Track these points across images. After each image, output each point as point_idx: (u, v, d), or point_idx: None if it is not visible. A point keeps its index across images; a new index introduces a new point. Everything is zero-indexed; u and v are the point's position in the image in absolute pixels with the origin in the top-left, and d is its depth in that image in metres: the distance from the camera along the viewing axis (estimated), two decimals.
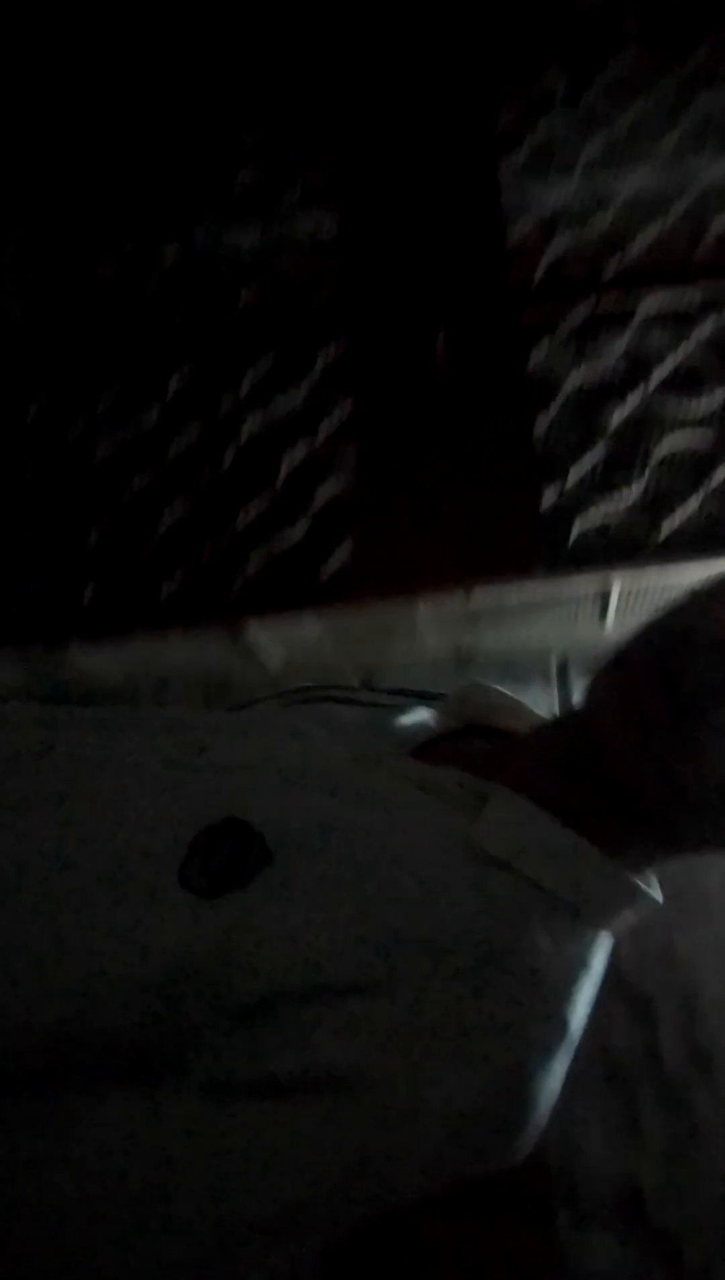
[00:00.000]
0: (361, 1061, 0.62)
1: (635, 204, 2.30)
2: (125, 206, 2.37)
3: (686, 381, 2.20)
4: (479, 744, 0.82)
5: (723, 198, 2.28)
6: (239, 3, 2.33)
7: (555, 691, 2.44)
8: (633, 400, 2.20)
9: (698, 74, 2.34)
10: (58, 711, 0.83)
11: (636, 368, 2.21)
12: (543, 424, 2.21)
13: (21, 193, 2.37)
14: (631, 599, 2.12)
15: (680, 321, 2.22)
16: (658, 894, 0.77)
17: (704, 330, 2.20)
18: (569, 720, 0.81)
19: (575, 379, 2.22)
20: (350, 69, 2.35)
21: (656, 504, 2.10)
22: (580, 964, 0.71)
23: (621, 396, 2.20)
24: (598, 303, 2.25)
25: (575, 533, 2.10)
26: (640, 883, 0.75)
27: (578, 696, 2.60)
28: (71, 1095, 0.64)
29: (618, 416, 2.19)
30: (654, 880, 0.79)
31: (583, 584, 2.07)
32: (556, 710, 2.58)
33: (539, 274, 2.29)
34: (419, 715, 0.84)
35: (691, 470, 2.14)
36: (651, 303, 2.23)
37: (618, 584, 2.09)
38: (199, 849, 0.68)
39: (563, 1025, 0.68)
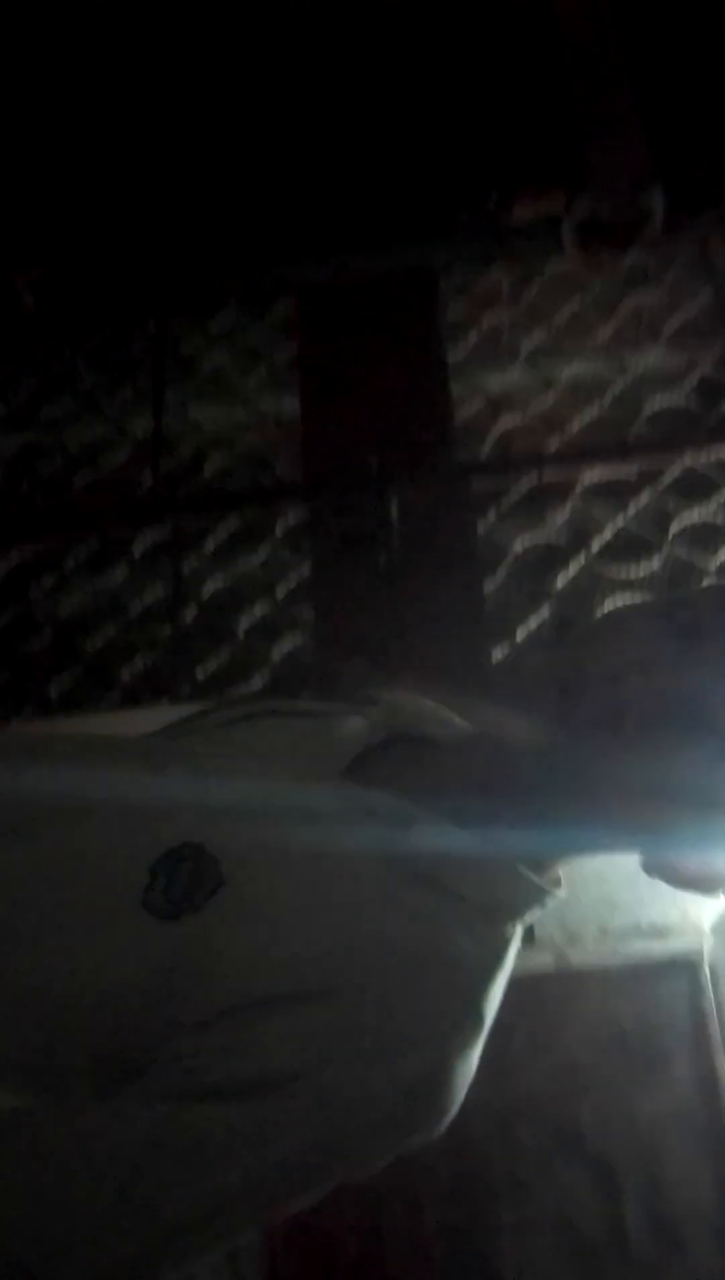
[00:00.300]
0: (308, 1062, 0.69)
1: (575, 387, 2.49)
2: (96, 385, 2.54)
3: (627, 548, 2.33)
4: (407, 758, 0.89)
5: (654, 382, 2.48)
6: (199, 205, 2.56)
7: None
8: (575, 565, 2.32)
9: (628, 275, 2.59)
10: (18, 738, 0.91)
11: (578, 535, 2.34)
12: (490, 586, 2.32)
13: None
14: None
15: (619, 493, 2.37)
16: (563, 891, 0.85)
17: (641, 500, 2.35)
18: (483, 735, 0.90)
19: (521, 545, 2.35)
20: (310, 267, 2.57)
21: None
22: (495, 960, 0.79)
23: (565, 562, 2.33)
24: (541, 476, 2.40)
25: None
26: (545, 883, 0.82)
27: None
28: (46, 1101, 0.73)
29: (562, 580, 2.31)
30: (560, 877, 0.85)
31: None
32: None
33: (486, 449, 2.45)
34: (354, 725, 0.90)
35: None
36: (591, 475, 2.38)
37: None
38: (159, 873, 0.75)
39: (478, 1016, 0.76)
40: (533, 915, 0.83)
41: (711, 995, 2.25)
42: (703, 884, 0.82)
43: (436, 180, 2.65)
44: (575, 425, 2.46)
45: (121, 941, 0.74)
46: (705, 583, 2.20)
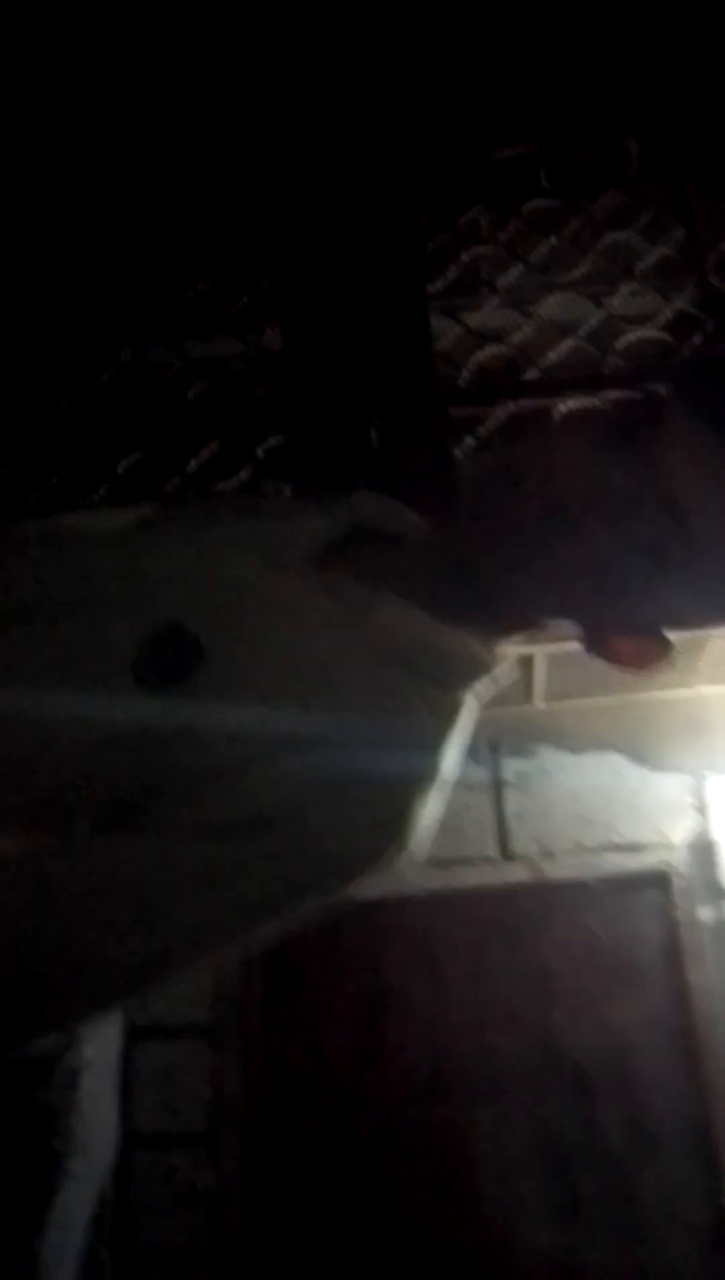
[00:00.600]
0: (286, 802, 0.79)
1: (551, 321, 2.54)
2: (84, 312, 2.56)
3: None
4: (368, 550, 0.95)
5: (628, 318, 2.54)
6: (191, 134, 2.59)
7: (486, 768, 2.51)
8: None
9: (604, 215, 2.64)
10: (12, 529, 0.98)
11: None
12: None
13: None
14: (555, 666, 2.23)
15: None
16: (508, 668, 0.95)
17: None
18: (439, 533, 0.97)
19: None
20: (295, 199, 2.60)
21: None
22: (449, 722, 0.88)
23: None
24: (517, 405, 2.44)
25: None
26: (492, 658, 0.91)
27: (505, 773, 2.68)
28: (52, 842, 0.81)
29: None
30: (505, 653, 0.94)
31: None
32: (487, 785, 2.65)
33: (464, 378, 2.50)
34: (318, 521, 0.97)
35: None
36: (566, 405, 2.43)
37: (539, 652, 2.20)
38: (146, 649, 0.84)
39: (434, 769, 0.85)
40: (483, 685, 0.91)
41: (683, 908, 2.30)
42: (633, 661, 0.88)
43: (418, 120, 2.70)
44: (552, 357, 2.51)
45: (118, 708, 0.83)
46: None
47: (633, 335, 2.54)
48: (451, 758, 0.87)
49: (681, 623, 0.89)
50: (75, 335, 2.53)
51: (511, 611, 0.91)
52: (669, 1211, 1.98)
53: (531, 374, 2.50)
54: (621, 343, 2.53)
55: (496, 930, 2.29)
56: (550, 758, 2.50)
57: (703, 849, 2.34)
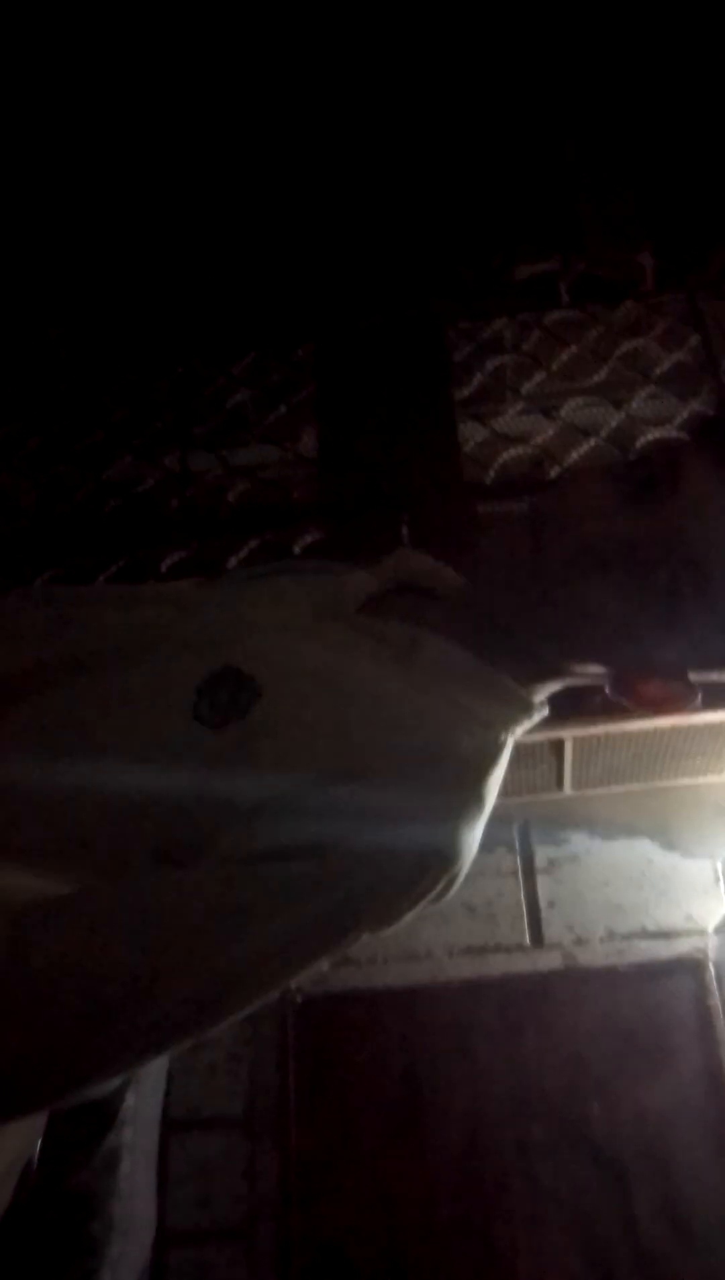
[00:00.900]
0: (339, 833, 0.83)
1: (572, 424, 2.67)
2: (131, 422, 2.72)
3: None
4: (410, 599, 1.00)
5: (646, 419, 2.65)
6: (234, 254, 2.79)
7: (518, 855, 2.54)
8: None
9: (622, 325, 2.79)
10: (71, 592, 1.06)
11: None
12: None
13: (39, 406, 2.72)
14: (584, 752, 2.28)
15: None
16: (545, 710, 0.97)
17: None
18: (473, 583, 1.03)
19: None
20: (330, 315, 2.78)
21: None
22: (491, 759, 0.92)
23: None
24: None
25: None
26: (533, 699, 0.96)
27: (537, 860, 2.70)
28: (117, 872, 0.84)
29: None
30: (544, 697, 0.98)
31: (537, 735, 2.24)
32: (519, 872, 2.68)
33: (490, 477, 2.61)
34: (362, 577, 1.02)
35: None
36: None
37: (569, 737, 2.26)
38: (205, 692, 0.88)
39: (480, 799, 0.89)
40: (522, 725, 0.96)
41: (717, 994, 2.30)
42: (658, 703, 0.93)
43: (444, 240, 2.88)
44: (574, 457, 2.62)
45: (178, 747, 0.87)
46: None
47: (652, 435, 2.66)
48: (493, 791, 0.91)
49: (705, 665, 0.93)
50: (122, 443, 2.69)
51: (541, 656, 0.95)
52: None
53: (555, 472, 2.62)
54: (641, 443, 2.64)
55: (530, 1018, 2.30)
56: (581, 844, 2.53)
57: None
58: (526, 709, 0.95)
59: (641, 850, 2.51)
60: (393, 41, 2.76)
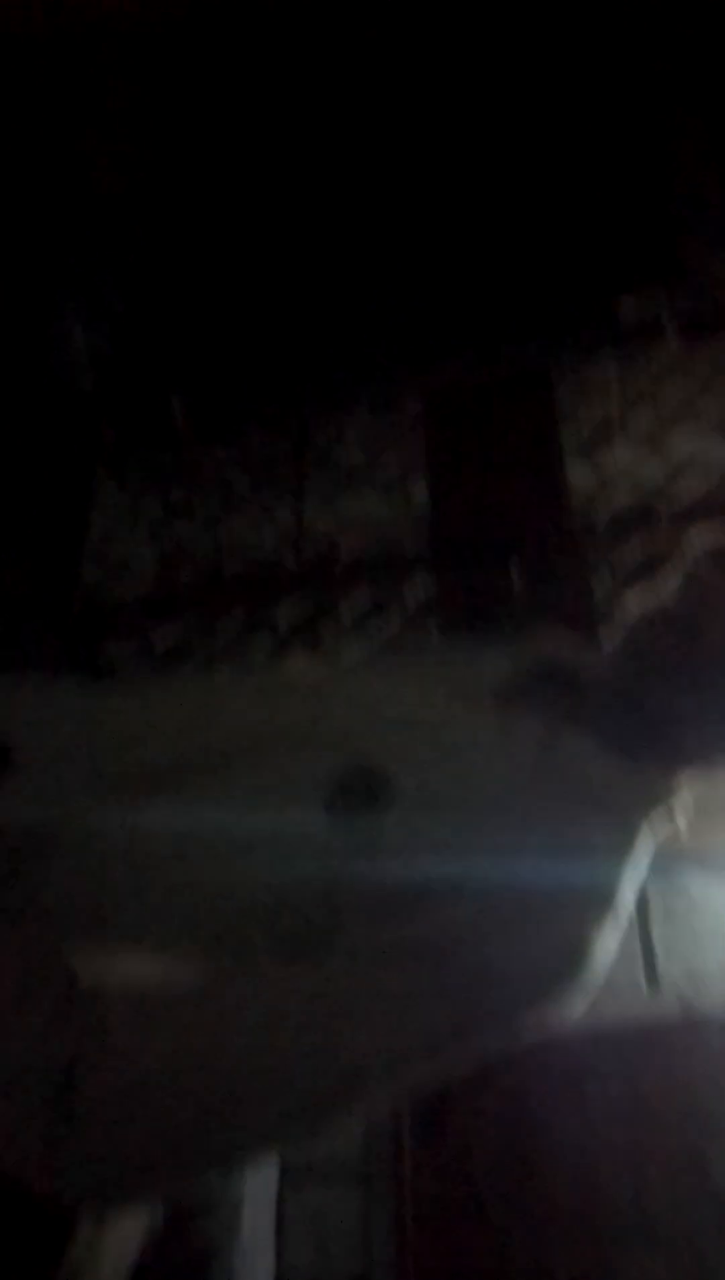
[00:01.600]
0: (466, 933, 0.81)
1: (683, 462, 2.63)
2: (244, 483, 2.85)
3: None
4: (549, 688, 0.99)
5: None
6: (341, 308, 2.89)
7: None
8: None
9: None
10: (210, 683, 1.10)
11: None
12: (609, 645, 2.42)
13: (158, 470, 2.89)
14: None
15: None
16: (688, 801, 0.95)
17: None
18: (617, 672, 1.00)
19: (637, 605, 2.46)
20: (437, 366, 2.85)
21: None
22: (627, 855, 0.90)
23: None
24: (650, 538, 2.52)
25: None
26: (669, 791, 0.93)
27: (651, 900, 2.60)
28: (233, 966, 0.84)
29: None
30: (687, 798, 0.96)
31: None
32: (633, 916, 2.59)
33: (601, 521, 2.60)
34: (496, 656, 1.03)
35: None
36: (702, 541, 2.49)
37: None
38: (337, 785, 0.90)
39: (612, 898, 0.86)
40: (659, 817, 0.95)
41: None
42: None
43: (550, 286, 2.91)
44: (685, 497, 2.59)
45: (311, 841, 0.88)
46: None
47: None
48: (629, 889, 0.89)
49: None
50: (233, 511, 2.82)
51: (688, 749, 0.94)
52: None
53: (663, 508, 2.59)
54: None
55: (646, 1064, 2.21)
56: (695, 882, 2.43)
57: None
58: (663, 799, 0.95)
59: None
60: (497, 86, 2.80)
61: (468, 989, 0.81)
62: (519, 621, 2.49)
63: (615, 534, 2.61)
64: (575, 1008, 0.83)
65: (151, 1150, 0.80)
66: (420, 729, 0.95)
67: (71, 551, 2.90)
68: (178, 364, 2.95)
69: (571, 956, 0.82)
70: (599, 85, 2.78)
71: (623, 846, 0.89)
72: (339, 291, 2.91)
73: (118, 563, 2.85)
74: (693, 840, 2.76)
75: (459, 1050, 0.83)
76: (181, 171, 2.82)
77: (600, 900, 0.85)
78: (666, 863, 2.71)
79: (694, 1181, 2.06)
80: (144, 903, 0.87)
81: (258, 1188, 1.21)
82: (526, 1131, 2.27)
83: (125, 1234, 0.95)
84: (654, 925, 2.47)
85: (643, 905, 2.50)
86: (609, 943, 0.85)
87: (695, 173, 2.77)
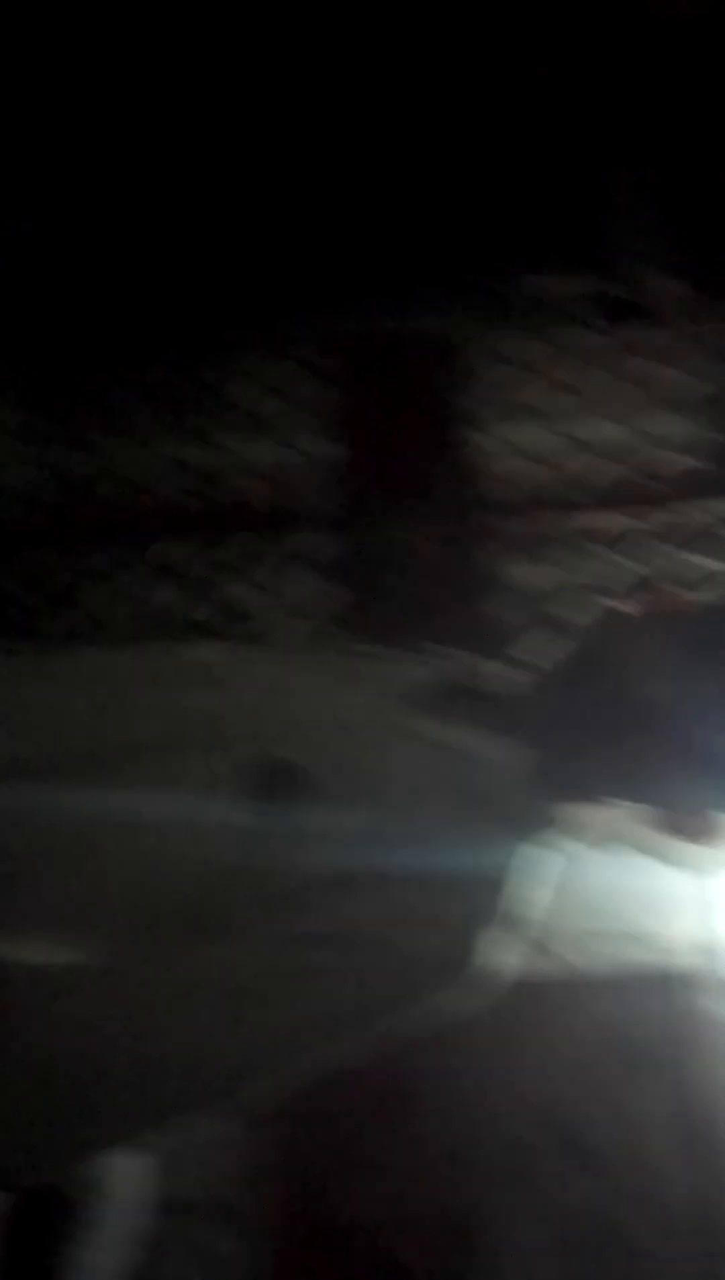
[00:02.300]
0: (370, 923, 0.88)
1: (597, 447, 2.73)
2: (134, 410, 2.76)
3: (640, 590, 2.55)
4: (466, 704, 1.05)
5: (673, 445, 2.72)
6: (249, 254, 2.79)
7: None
8: (589, 603, 2.53)
9: (652, 351, 2.83)
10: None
11: (597, 576, 2.58)
12: (513, 621, 2.53)
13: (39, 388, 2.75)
14: None
15: (637, 540, 2.61)
16: (587, 830, 1.05)
17: (655, 547, 2.59)
18: (531, 701, 1.08)
19: (543, 583, 2.58)
20: (349, 322, 2.82)
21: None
22: (527, 873, 0.98)
23: (580, 600, 2.54)
24: (557, 522, 2.63)
25: None
26: (572, 820, 1.03)
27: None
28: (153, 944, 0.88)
29: (580, 616, 2.52)
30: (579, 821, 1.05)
31: None
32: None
33: (511, 498, 2.68)
34: (415, 670, 1.08)
35: None
36: (610, 523, 2.62)
37: None
38: (249, 776, 0.93)
39: (508, 903, 0.95)
40: (551, 834, 1.03)
41: (693, 1000, 2.40)
42: (697, 836, 1.01)
43: (470, 258, 2.90)
44: (597, 480, 2.70)
45: (221, 834, 0.91)
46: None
47: (677, 464, 2.73)
48: (524, 904, 0.98)
49: None
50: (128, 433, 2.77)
51: (591, 787, 1.02)
52: None
53: (558, 488, 2.70)
54: (667, 468, 2.71)
55: (517, 1023, 2.39)
56: (575, 855, 2.60)
57: (711, 944, 2.46)
58: (567, 826, 1.03)
59: (623, 860, 2.61)
60: (411, 45, 2.73)
61: (368, 974, 0.88)
62: (420, 591, 2.56)
63: (509, 509, 2.69)
64: (474, 994, 0.93)
65: (57, 1129, 0.84)
66: (336, 727, 0.99)
67: None
68: (79, 292, 2.79)
69: (464, 951, 0.92)
70: (531, 59, 2.76)
71: (523, 862, 0.98)
72: (246, 233, 2.81)
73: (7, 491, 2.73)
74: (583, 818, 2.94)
75: (361, 1033, 0.91)
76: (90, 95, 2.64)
77: (494, 906, 0.94)
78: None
79: (560, 1134, 2.26)
80: (51, 885, 0.89)
81: (118, 1210, 1.24)
82: (403, 1075, 2.40)
83: None
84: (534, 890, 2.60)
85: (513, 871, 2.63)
86: (499, 942, 0.94)
87: (629, 163, 2.80)
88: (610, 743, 0.98)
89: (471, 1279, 2.16)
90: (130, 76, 2.71)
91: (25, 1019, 0.84)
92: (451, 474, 2.70)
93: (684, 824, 1.02)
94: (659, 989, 2.45)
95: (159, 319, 2.85)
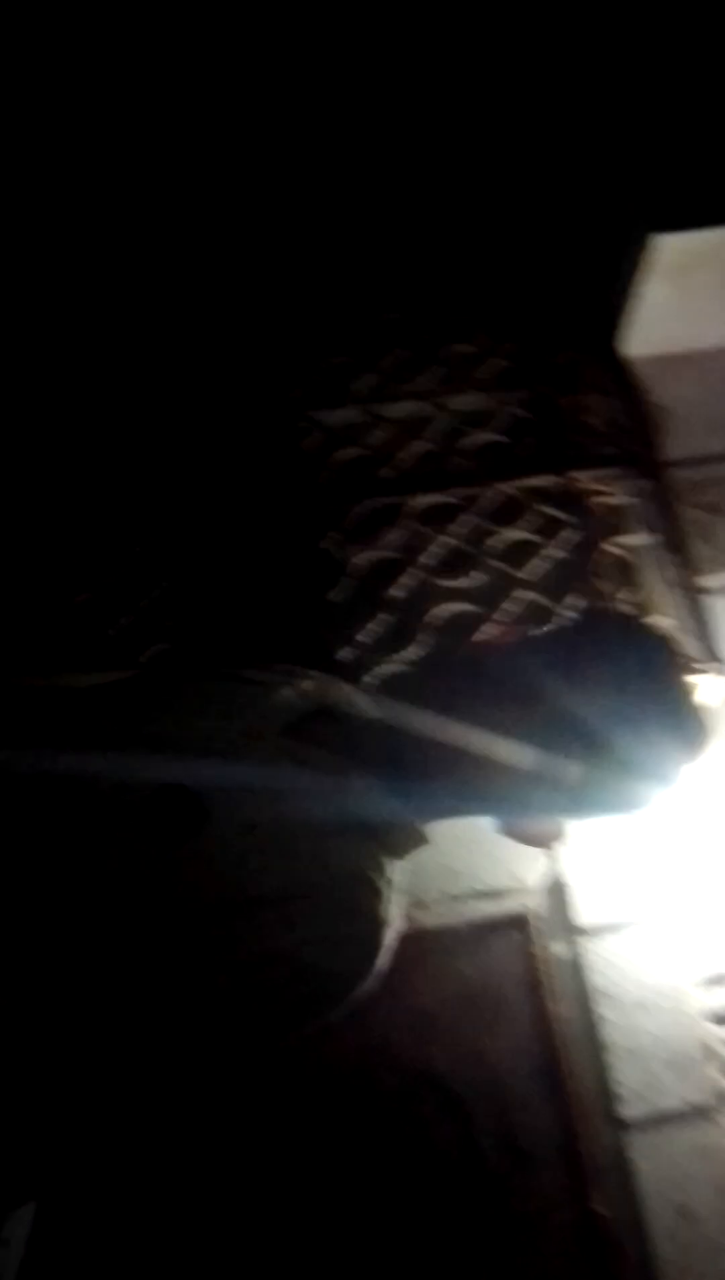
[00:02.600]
0: (282, 945, 0.99)
1: (402, 424, 2.84)
2: None
3: (452, 562, 2.67)
4: (331, 729, 1.17)
5: (470, 422, 2.86)
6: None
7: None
8: (408, 578, 2.64)
9: (445, 328, 2.98)
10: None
11: (410, 551, 2.68)
12: (335, 597, 2.61)
13: None
14: None
15: (443, 515, 2.72)
16: (432, 839, 1.19)
17: (462, 521, 2.70)
18: (384, 725, 1.20)
19: (362, 560, 2.66)
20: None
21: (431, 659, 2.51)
22: (390, 882, 1.12)
23: (398, 575, 2.65)
24: (374, 501, 2.72)
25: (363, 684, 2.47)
26: (426, 835, 1.17)
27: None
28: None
29: (396, 591, 2.63)
30: (432, 830, 1.19)
31: None
32: None
33: (325, 477, 2.76)
34: (287, 695, 1.18)
35: (457, 632, 2.58)
36: (419, 501, 2.72)
37: None
38: (157, 807, 1.01)
39: (386, 915, 1.10)
40: (415, 854, 1.17)
41: (541, 945, 2.54)
42: (536, 840, 1.16)
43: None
44: (404, 456, 2.80)
45: (126, 856, 0.98)
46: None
47: (477, 438, 2.86)
48: (390, 909, 1.10)
49: (578, 816, 1.16)
50: None
51: (439, 804, 1.15)
52: (542, 1217, 2.22)
53: (386, 473, 2.79)
54: (468, 442, 2.84)
55: (390, 984, 2.50)
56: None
57: (556, 891, 2.59)
58: (423, 842, 1.17)
59: (477, 823, 2.74)
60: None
61: (285, 990, 0.99)
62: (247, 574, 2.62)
63: (343, 492, 2.78)
64: (362, 985, 1.06)
65: None
66: (223, 757, 1.08)
67: None
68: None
69: (364, 954, 1.05)
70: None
71: (389, 876, 1.10)
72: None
73: None
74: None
75: (286, 1037, 1.02)
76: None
77: (379, 916, 1.07)
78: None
79: (421, 1081, 2.38)
80: None
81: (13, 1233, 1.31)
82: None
83: None
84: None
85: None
86: (378, 960, 1.08)
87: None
88: (452, 762, 1.10)
89: None
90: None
91: None
92: (284, 459, 2.76)
93: (527, 832, 1.14)
94: (510, 936, 2.57)
95: None
